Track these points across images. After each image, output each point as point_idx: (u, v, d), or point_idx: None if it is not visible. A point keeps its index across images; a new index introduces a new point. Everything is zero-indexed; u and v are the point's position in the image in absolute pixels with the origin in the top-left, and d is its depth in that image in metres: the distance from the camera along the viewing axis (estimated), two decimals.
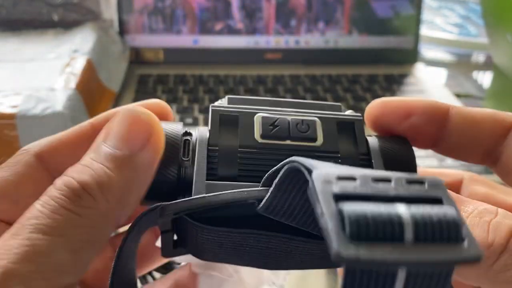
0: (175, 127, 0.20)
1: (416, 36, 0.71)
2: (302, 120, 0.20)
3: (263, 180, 0.18)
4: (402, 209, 0.12)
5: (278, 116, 0.20)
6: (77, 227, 0.15)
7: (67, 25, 0.65)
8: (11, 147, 0.45)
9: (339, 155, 0.19)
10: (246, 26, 0.69)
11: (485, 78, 0.79)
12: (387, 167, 0.19)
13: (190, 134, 0.20)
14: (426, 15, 0.83)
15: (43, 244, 0.15)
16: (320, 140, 0.19)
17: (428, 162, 0.50)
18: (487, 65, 0.81)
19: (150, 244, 0.25)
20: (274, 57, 0.70)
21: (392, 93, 0.65)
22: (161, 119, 0.19)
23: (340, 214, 0.12)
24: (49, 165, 0.19)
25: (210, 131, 0.20)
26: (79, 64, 0.53)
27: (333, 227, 0.12)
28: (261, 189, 0.18)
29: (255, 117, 0.20)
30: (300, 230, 0.18)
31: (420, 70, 0.71)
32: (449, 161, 0.50)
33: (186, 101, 0.61)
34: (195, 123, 0.56)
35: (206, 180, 0.19)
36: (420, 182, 0.13)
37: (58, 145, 0.20)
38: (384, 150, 0.20)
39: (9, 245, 0.14)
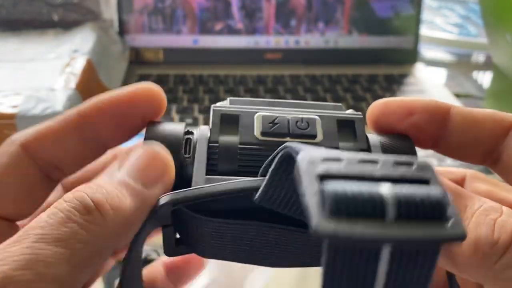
0: (177, 126, 0.20)
1: (416, 36, 0.71)
2: (302, 118, 0.20)
3: (260, 171, 0.18)
4: (385, 188, 0.12)
5: (278, 115, 0.20)
6: (82, 243, 0.15)
7: (67, 25, 0.65)
8: None
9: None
10: (246, 26, 0.69)
11: (485, 78, 0.79)
12: None
13: (191, 133, 0.20)
14: (426, 15, 0.83)
15: (45, 254, 0.14)
16: (320, 137, 0.20)
17: None
18: (487, 65, 0.81)
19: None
20: (274, 57, 0.70)
21: (392, 93, 0.66)
22: (153, 104, 0.20)
23: (322, 193, 0.12)
24: (36, 155, 0.19)
25: (211, 129, 0.20)
26: (79, 64, 0.53)
27: (314, 203, 0.12)
28: (257, 179, 0.18)
29: (255, 115, 0.20)
30: (299, 222, 0.18)
31: (420, 70, 0.71)
32: (449, 161, 0.50)
33: (186, 101, 0.61)
34: (195, 123, 0.56)
35: (206, 175, 0.19)
36: (409, 164, 0.13)
37: (44, 135, 0.19)
38: (385, 146, 0.20)
39: (11, 252, 0.14)
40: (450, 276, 0.19)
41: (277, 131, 0.20)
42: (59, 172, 0.20)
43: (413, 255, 0.12)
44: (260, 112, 0.20)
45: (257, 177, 0.18)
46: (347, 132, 0.20)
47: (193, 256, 0.20)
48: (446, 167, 0.38)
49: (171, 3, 0.67)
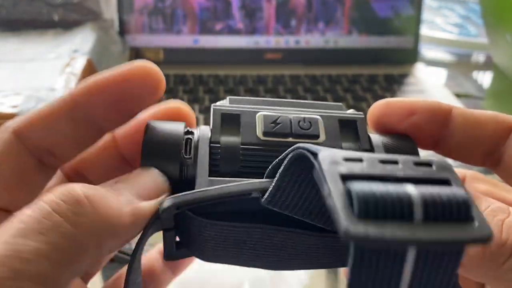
0: (177, 127, 0.20)
1: (416, 36, 0.71)
2: (304, 118, 0.20)
3: (266, 172, 0.18)
4: (411, 189, 0.12)
5: (280, 114, 0.20)
6: (65, 238, 0.14)
7: (67, 25, 0.65)
8: None
9: None
10: (246, 26, 0.69)
11: (485, 78, 0.79)
12: None
13: (191, 133, 0.20)
14: (426, 15, 0.83)
15: (23, 250, 0.14)
16: (322, 137, 0.19)
17: None
18: (487, 65, 0.81)
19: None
20: (274, 57, 0.70)
21: (392, 93, 0.66)
22: (148, 83, 0.19)
23: (348, 193, 0.12)
24: (28, 141, 0.18)
25: (212, 129, 0.20)
26: (79, 64, 0.53)
27: (341, 205, 0.12)
28: (264, 181, 0.17)
29: (257, 115, 0.20)
30: (305, 225, 0.18)
31: (420, 70, 0.71)
32: (449, 162, 0.50)
33: (186, 101, 0.61)
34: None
35: (209, 176, 0.18)
36: (428, 164, 0.13)
37: (36, 120, 0.19)
38: (387, 146, 0.20)
39: None
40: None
41: (279, 131, 0.19)
42: (54, 158, 0.19)
43: (438, 256, 0.12)
44: (262, 112, 0.20)
45: (260, 178, 0.18)
46: (349, 132, 0.20)
47: None
48: None
49: (171, 3, 0.67)
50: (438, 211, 0.12)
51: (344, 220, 0.11)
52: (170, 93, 0.62)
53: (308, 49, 0.70)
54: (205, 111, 0.59)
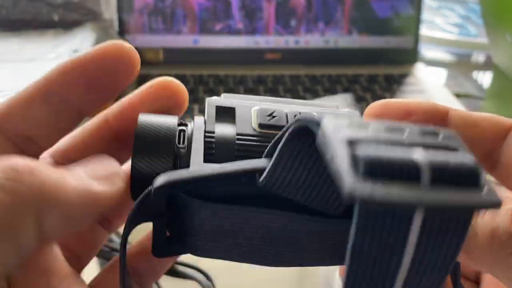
0: (170, 119, 0.19)
1: (416, 36, 0.71)
2: (300, 112, 0.20)
3: (265, 152, 0.17)
4: (418, 152, 0.12)
5: (275, 108, 0.20)
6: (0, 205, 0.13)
7: (67, 25, 0.65)
8: None
9: None
10: (246, 26, 0.69)
11: (485, 78, 0.79)
12: None
13: (185, 124, 0.20)
14: (426, 15, 0.83)
15: None
16: None
17: None
18: (487, 65, 0.81)
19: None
20: (274, 57, 0.70)
21: (392, 93, 0.66)
22: (122, 62, 0.19)
23: (353, 156, 0.11)
24: (7, 129, 0.18)
25: (206, 120, 0.19)
26: None
27: (346, 166, 0.11)
28: (263, 160, 0.17)
29: (252, 109, 0.20)
30: (305, 210, 0.17)
31: (420, 70, 0.71)
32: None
33: None
34: None
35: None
36: (435, 133, 0.13)
37: (12, 107, 0.18)
38: None
39: None
40: (455, 280, 0.19)
41: (275, 123, 0.19)
42: (35, 145, 0.19)
43: (444, 223, 0.12)
44: (257, 106, 0.20)
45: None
46: None
47: None
48: None
49: (171, 3, 0.67)
50: (446, 176, 0.11)
51: (349, 180, 0.11)
52: None
53: (308, 49, 0.70)
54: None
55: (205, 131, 0.19)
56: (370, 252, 0.12)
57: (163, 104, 0.21)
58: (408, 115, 0.20)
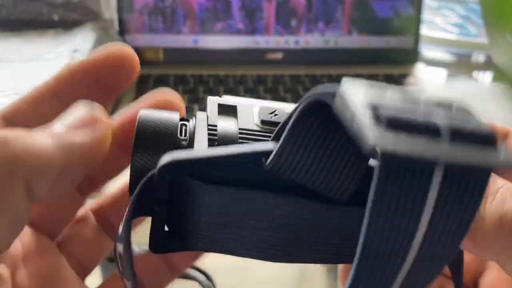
0: (171, 114, 0.19)
1: (416, 36, 0.71)
2: None
3: (273, 134, 0.17)
4: (436, 115, 0.12)
5: (276, 107, 0.20)
6: None
7: (67, 25, 0.65)
8: None
9: None
10: (246, 26, 0.69)
11: (485, 78, 0.79)
12: None
13: (187, 120, 0.20)
14: (426, 15, 0.83)
15: None
16: None
17: None
18: (487, 65, 0.81)
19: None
20: (274, 57, 0.70)
21: None
22: (124, 64, 0.20)
23: (375, 115, 0.11)
24: (17, 125, 0.18)
25: (208, 115, 0.19)
26: None
27: (369, 122, 0.11)
28: (269, 143, 0.17)
29: (254, 108, 0.20)
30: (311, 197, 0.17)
31: (420, 70, 0.71)
32: None
33: (186, 101, 0.61)
34: None
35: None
36: (448, 104, 0.13)
37: (21, 105, 0.19)
38: None
39: None
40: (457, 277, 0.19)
41: (277, 120, 0.19)
42: None
43: (463, 182, 0.12)
44: (258, 105, 0.20)
45: None
46: None
47: None
48: None
49: (171, 3, 0.67)
50: (465, 136, 0.12)
51: (373, 133, 0.11)
52: None
53: (308, 49, 0.70)
54: (205, 110, 0.59)
55: (208, 125, 0.19)
56: (389, 209, 0.12)
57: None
58: None
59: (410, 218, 0.12)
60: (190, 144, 0.18)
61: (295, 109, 0.16)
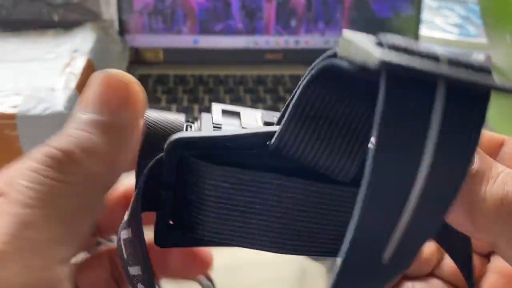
0: (177, 116, 0.20)
1: (416, 36, 0.71)
2: None
3: (276, 120, 0.18)
4: (436, 50, 0.12)
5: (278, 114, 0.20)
6: (65, 196, 0.15)
7: (67, 25, 0.65)
8: (12, 147, 0.45)
9: None
10: (246, 26, 0.69)
11: None
12: None
13: (192, 122, 0.20)
14: (426, 15, 0.83)
15: (31, 219, 0.14)
16: None
17: None
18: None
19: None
20: (274, 57, 0.70)
21: None
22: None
23: (378, 43, 0.12)
24: None
25: (213, 116, 0.20)
26: (79, 64, 0.53)
27: (371, 45, 0.12)
28: (275, 126, 0.17)
29: (256, 113, 0.20)
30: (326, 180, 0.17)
31: None
32: None
33: (186, 101, 0.61)
34: None
35: None
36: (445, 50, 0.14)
37: None
38: None
39: None
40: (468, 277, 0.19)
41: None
42: None
43: (465, 99, 0.12)
44: (260, 112, 0.20)
45: None
46: None
47: None
48: None
49: (171, 3, 0.67)
50: (463, 64, 0.12)
51: (377, 51, 0.11)
52: (170, 93, 0.62)
53: (308, 49, 0.70)
54: (205, 111, 0.59)
55: (213, 123, 0.19)
56: (397, 125, 0.12)
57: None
58: None
59: (418, 135, 0.12)
60: None
61: (298, 87, 0.16)
